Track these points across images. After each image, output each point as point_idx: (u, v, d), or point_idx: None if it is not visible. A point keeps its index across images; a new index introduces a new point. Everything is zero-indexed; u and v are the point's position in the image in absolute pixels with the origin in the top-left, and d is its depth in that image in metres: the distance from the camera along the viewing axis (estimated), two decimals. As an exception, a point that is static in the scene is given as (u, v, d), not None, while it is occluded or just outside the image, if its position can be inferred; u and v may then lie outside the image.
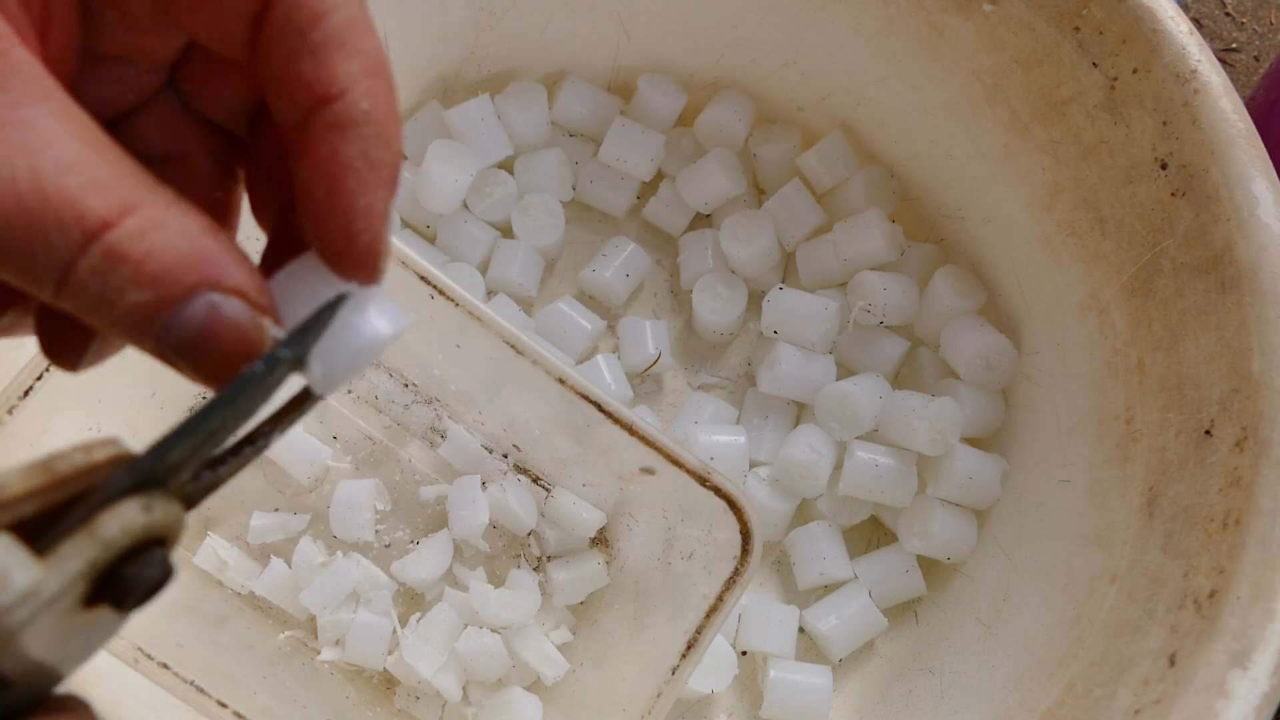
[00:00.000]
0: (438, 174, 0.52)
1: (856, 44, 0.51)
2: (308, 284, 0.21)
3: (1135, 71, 0.43)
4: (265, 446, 0.21)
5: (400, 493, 0.51)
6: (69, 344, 0.22)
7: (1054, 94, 0.45)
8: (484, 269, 0.55)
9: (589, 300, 0.57)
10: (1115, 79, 0.43)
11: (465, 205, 0.56)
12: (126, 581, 0.18)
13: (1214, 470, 0.39)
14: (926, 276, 0.55)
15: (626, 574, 0.49)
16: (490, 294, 0.55)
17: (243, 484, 0.50)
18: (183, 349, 0.19)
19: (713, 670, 0.48)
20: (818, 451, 0.51)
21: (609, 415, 0.42)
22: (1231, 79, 0.43)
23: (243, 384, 0.19)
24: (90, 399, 0.45)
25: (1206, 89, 0.41)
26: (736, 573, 0.42)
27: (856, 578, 0.52)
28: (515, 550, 0.50)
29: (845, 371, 0.54)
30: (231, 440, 0.20)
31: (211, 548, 0.48)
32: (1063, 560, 0.46)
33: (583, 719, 0.46)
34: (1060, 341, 0.49)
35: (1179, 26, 0.42)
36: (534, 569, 0.50)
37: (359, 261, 0.21)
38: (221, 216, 0.24)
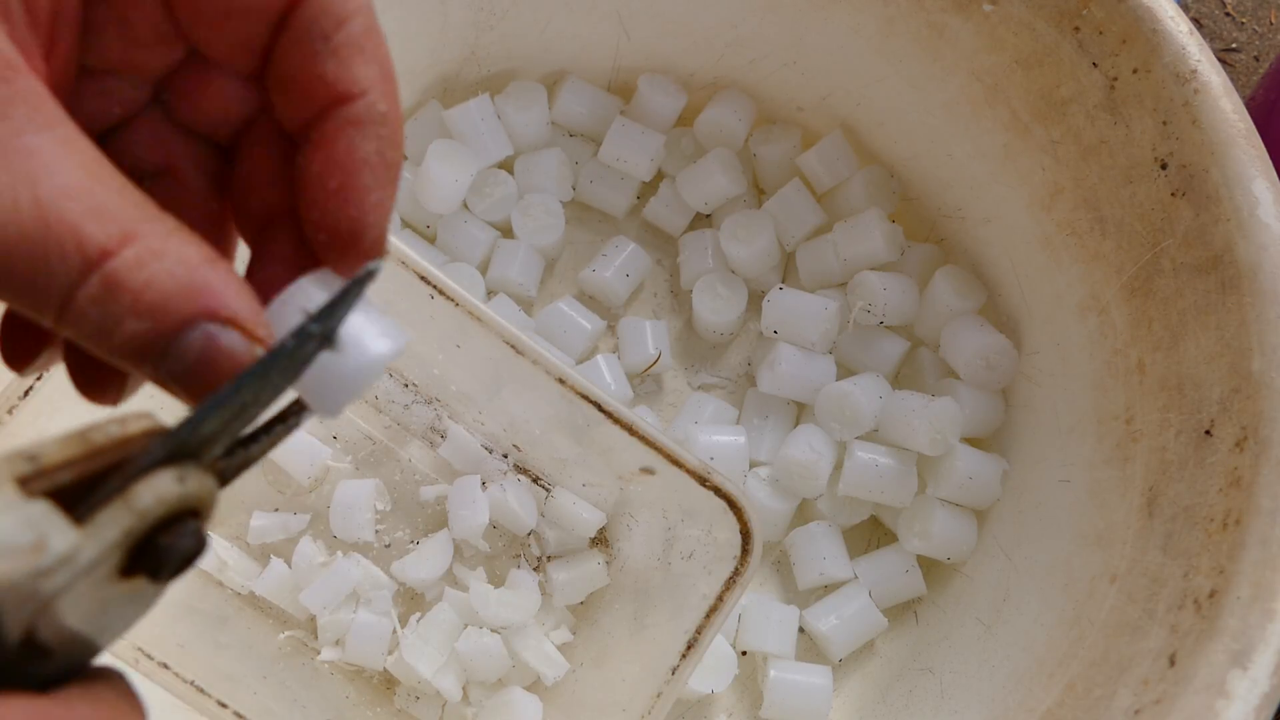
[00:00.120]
0: (438, 174, 0.52)
1: (856, 44, 0.51)
2: (304, 311, 0.21)
3: (1135, 71, 0.43)
4: (296, 425, 0.22)
5: (400, 493, 0.51)
6: (101, 381, 0.22)
7: (1054, 94, 0.46)
8: (484, 269, 0.55)
9: (589, 300, 0.57)
10: (1115, 79, 0.43)
11: (465, 205, 0.56)
12: (161, 551, 0.18)
13: (1214, 470, 0.39)
14: (926, 276, 0.55)
15: (626, 574, 0.49)
16: (490, 294, 0.55)
17: (243, 484, 0.50)
18: (180, 377, 0.19)
19: (713, 670, 0.48)
20: (818, 451, 0.51)
21: (609, 415, 0.42)
22: (1231, 79, 0.43)
23: (273, 359, 0.19)
24: (90, 399, 0.45)
25: (1206, 89, 0.41)
26: (736, 573, 0.42)
27: (856, 578, 0.52)
28: (515, 550, 0.50)
29: (845, 371, 0.54)
30: (261, 419, 0.20)
31: (211, 548, 0.48)
32: (1063, 560, 0.46)
33: (583, 719, 0.46)
34: (1060, 341, 0.49)
35: (1179, 26, 0.42)
36: (534, 569, 0.50)
37: (366, 252, 0.21)
38: (216, 230, 0.24)
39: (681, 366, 0.57)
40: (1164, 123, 0.42)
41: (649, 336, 0.55)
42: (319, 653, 0.48)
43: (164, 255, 0.19)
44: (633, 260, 0.56)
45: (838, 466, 0.52)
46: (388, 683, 0.49)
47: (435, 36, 0.53)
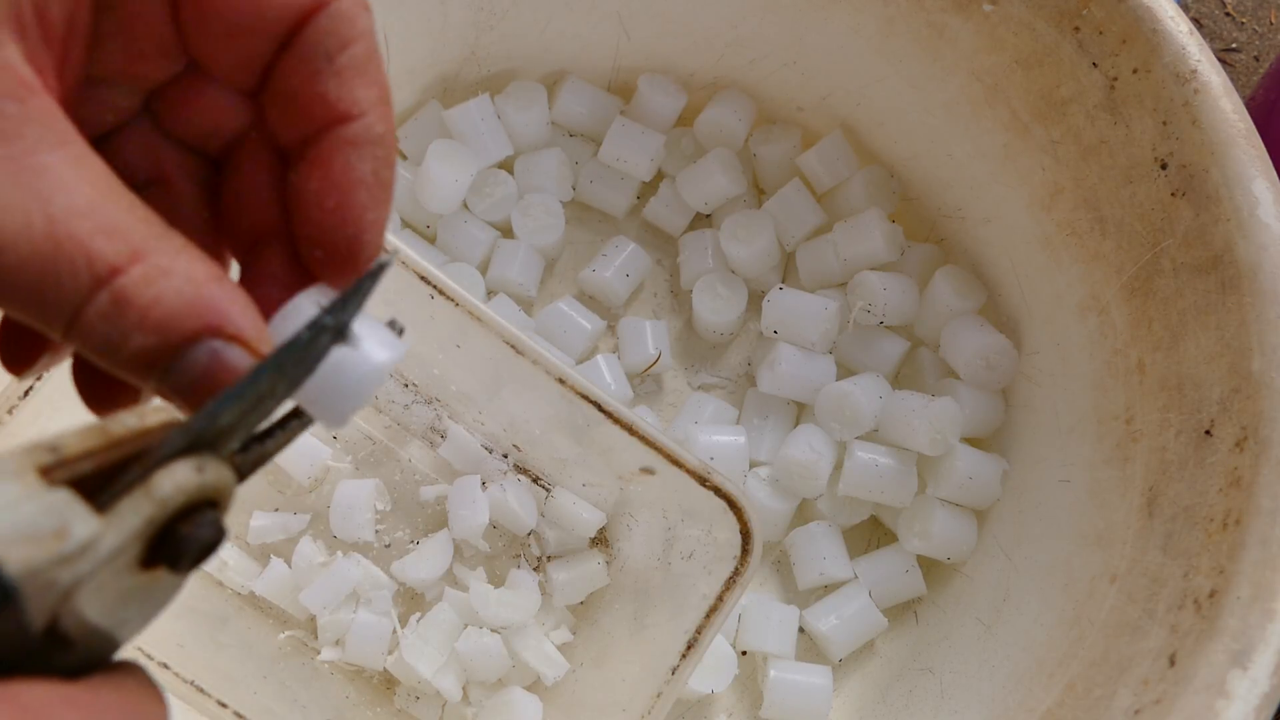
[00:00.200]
0: (438, 174, 0.52)
1: (856, 44, 0.51)
2: (318, 305, 0.22)
3: (1135, 71, 0.43)
4: (310, 422, 0.22)
5: (400, 493, 0.51)
6: (110, 396, 0.23)
7: (1054, 94, 0.46)
8: (484, 269, 0.55)
9: (589, 300, 0.57)
10: (1115, 79, 0.43)
11: (465, 205, 0.56)
12: (181, 541, 0.18)
13: (1214, 470, 0.39)
14: (926, 276, 0.55)
15: (626, 574, 0.49)
16: (490, 294, 0.55)
17: (243, 484, 0.50)
18: (184, 392, 0.19)
19: (713, 670, 0.48)
20: (818, 451, 0.51)
21: (609, 415, 0.42)
22: (1231, 79, 0.43)
23: (289, 351, 0.19)
24: (90, 399, 0.45)
25: (1206, 89, 0.41)
26: (736, 573, 0.42)
27: (856, 578, 0.52)
28: (515, 550, 0.50)
29: (845, 371, 0.54)
30: (276, 415, 0.21)
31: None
32: (1063, 560, 0.46)
33: (583, 719, 0.46)
34: (1060, 341, 0.49)
35: (1179, 26, 0.42)
36: (534, 569, 0.50)
37: (361, 269, 0.22)
38: (210, 239, 0.24)
39: (681, 366, 0.57)
40: (1164, 123, 0.42)
41: (649, 336, 0.55)
42: (319, 653, 0.48)
43: (172, 272, 0.19)
44: (633, 260, 0.56)
45: (838, 466, 0.52)
46: (388, 683, 0.49)
47: (435, 36, 0.53)
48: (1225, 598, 0.36)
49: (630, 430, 0.42)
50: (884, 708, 0.50)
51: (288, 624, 0.49)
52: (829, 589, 0.52)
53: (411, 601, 0.50)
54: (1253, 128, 0.41)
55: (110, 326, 0.19)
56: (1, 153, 0.18)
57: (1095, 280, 0.46)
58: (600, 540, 0.50)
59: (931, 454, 0.50)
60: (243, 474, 0.21)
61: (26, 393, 0.41)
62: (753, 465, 0.53)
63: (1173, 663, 0.36)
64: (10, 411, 0.41)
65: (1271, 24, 0.72)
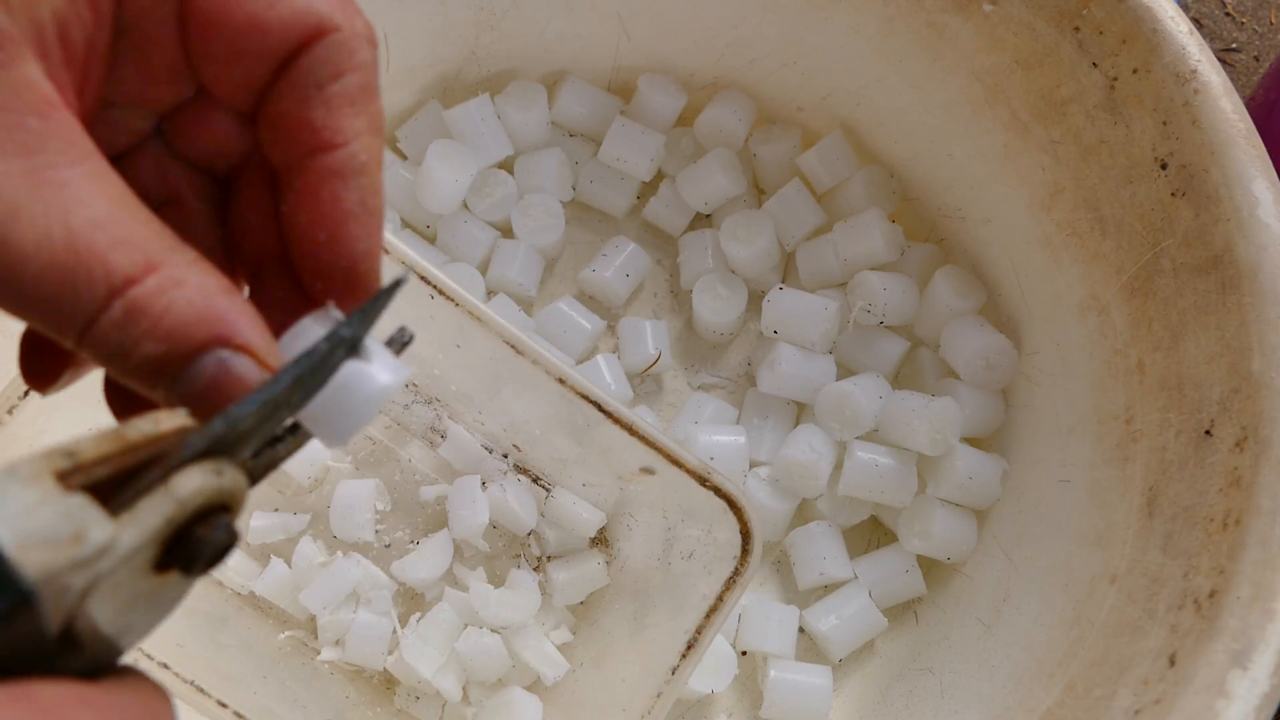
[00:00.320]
0: (438, 174, 0.52)
1: (856, 44, 0.51)
2: (335, 320, 0.22)
3: (1135, 71, 0.43)
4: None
5: (400, 493, 0.51)
6: (138, 407, 0.23)
7: (1054, 94, 0.46)
8: (484, 269, 0.55)
9: (589, 300, 0.57)
10: (1115, 79, 0.43)
11: (465, 205, 0.56)
12: (196, 543, 0.19)
13: (1214, 470, 0.39)
14: (926, 276, 0.55)
15: (626, 574, 0.49)
16: (490, 294, 0.55)
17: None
18: (191, 399, 0.20)
19: (713, 670, 0.48)
20: (818, 451, 0.51)
21: (609, 415, 0.42)
22: (1231, 79, 0.43)
23: (307, 360, 0.20)
24: (90, 399, 0.44)
25: (1206, 89, 0.41)
26: (736, 573, 0.42)
27: (856, 578, 0.52)
28: (515, 550, 0.50)
29: (845, 371, 0.54)
30: (288, 420, 0.21)
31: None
32: (1063, 560, 0.46)
33: (583, 719, 0.46)
34: (1060, 341, 0.49)
35: (1179, 26, 0.42)
36: (534, 569, 0.50)
37: (360, 296, 0.23)
38: (224, 256, 0.25)
39: (681, 366, 0.57)
40: (1164, 123, 0.42)
41: (649, 336, 0.55)
42: (319, 653, 0.48)
43: (184, 284, 0.20)
44: (633, 260, 0.56)
45: (838, 466, 0.52)
46: (388, 683, 0.49)
47: (435, 36, 0.53)
48: (1225, 598, 0.36)
49: (630, 430, 0.42)
50: (884, 708, 0.50)
51: (288, 624, 0.49)
52: (829, 589, 0.52)
53: (411, 601, 0.50)
54: (1253, 128, 0.41)
55: (122, 334, 0.19)
56: (23, 166, 0.19)
57: (1095, 280, 0.46)
58: (600, 540, 0.50)
59: (931, 454, 0.50)
60: (255, 478, 0.21)
61: (26, 393, 0.41)
62: (753, 465, 0.53)
63: (1173, 663, 0.36)
64: (10, 411, 0.41)
65: (1271, 24, 0.72)
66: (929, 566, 0.53)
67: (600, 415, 0.42)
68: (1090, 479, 0.46)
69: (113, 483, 0.18)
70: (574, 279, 0.57)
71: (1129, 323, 0.44)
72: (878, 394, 0.51)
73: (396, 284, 0.21)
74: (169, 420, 0.20)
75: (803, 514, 0.54)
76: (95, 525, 0.17)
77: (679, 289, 0.58)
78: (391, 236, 0.42)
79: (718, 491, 0.42)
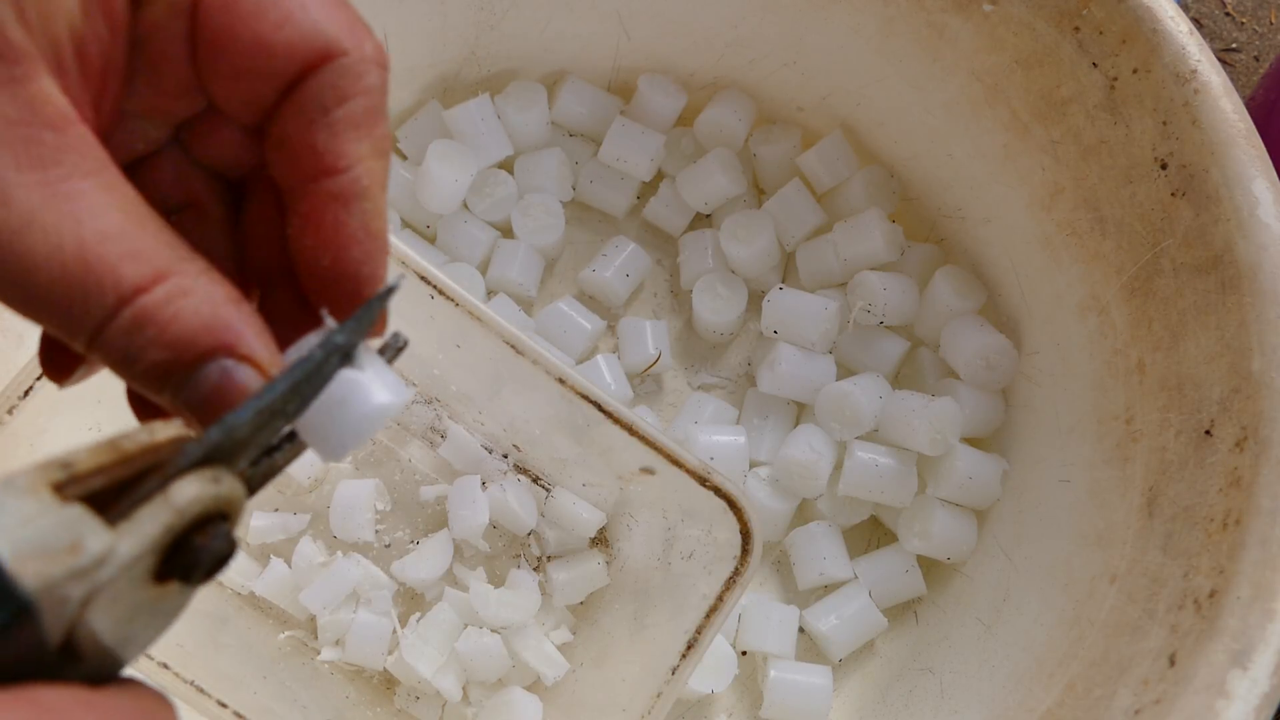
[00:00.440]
0: (438, 174, 0.52)
1: (856, 44, 0.51)
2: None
3: (1135, 71, 0.43)
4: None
5: (400, 493, 0.51)
6: (160, 411, 0.23)
7: (1054, 94, 0.45)
8: (484, 269, 0.55)
9: (589, 300, 0.57)
10: (1115, 79, 0.43)
11: (465, 205, 0.56)
12: (195, 552, 0.19)
13: (1214, 470, 0.39)
14: (926, 276, 0.55)
15: (626, 574, 0.49)
16: (490, 294, 0.55)
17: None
18: (194, 406, 0.20)
19: (713, 670, 0.48)
20: (818, 451, 0.51)
21: (609, 415, 0.42)
22: (1231, 79, 0.43)
23: (303, 368, 0.20)
24: (90, 399, 0.45)
25: (1206, 89, 0.41)
26: (736, 573, 0.42)
27: (856, 578, 0.52)
28: (515, 550, 0.50)
29: (845, 371, 0.54)
30: (285, 429, 0.21)
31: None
32: (1063, 560, 0.46)
33: (583, 719, 0.46)
34: (1060, 341, 0.49)
35: (1179, 26, 0.42)
36: (534, 569, 0.50)
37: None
38: (239, 264, 0.25)
39: (681, 366, 0.57)
40: (1164, 123, 0.42)
41: (649, 336, 0.55)
42: (319, 653, 0.48)
43: (191, 293, 0.20)
44: (633, 260, 0.56)
45: (838, 466, 0.52)
46: (388, 683, 0.49)
47: (435, 36, 0.53)
48: (1225, 598, 0.36)
49: (630, 430, 0.42)
50: (884, 708, 0.50)
51: (288, 624, 0.49)
52: (829, 589, 0.52)
53: (411, 601, 0.50)
54: (1253, 128, 0.41)
55: (130, 341, 0.20)
56: (38, 178, 0.19)
57: (1095, 280, 0.46)
58: (600, 540, 0.50)
59: (931, 454, 0.50)
60: (252, 487, 0.21)
61: (26, 393, 0.41)
62: (753, 465, 0.53)
63: (1173, 663, 0.36)
64: (10, 411, 0.41)
65: (1271, 24, 0.72)
66: (929, 566, 0.53)
67: (600, 415, 0.42)
68: (1090, 479, 0.46)
69: (109, 493, 0.18)
70: (574, 279, 0.57)
71: (1129, 323, 0.44)
72: (878, 394, 0.51)
73: (389, 290, 0.21)
74: (164, 430, 0.20)
75: (803, 514, 0.54)
76: (92, 535, 0.17)
77: (679, 289, 0.58)
78: (392, 237, 0.42)
79: (718, 491, 0.42)
